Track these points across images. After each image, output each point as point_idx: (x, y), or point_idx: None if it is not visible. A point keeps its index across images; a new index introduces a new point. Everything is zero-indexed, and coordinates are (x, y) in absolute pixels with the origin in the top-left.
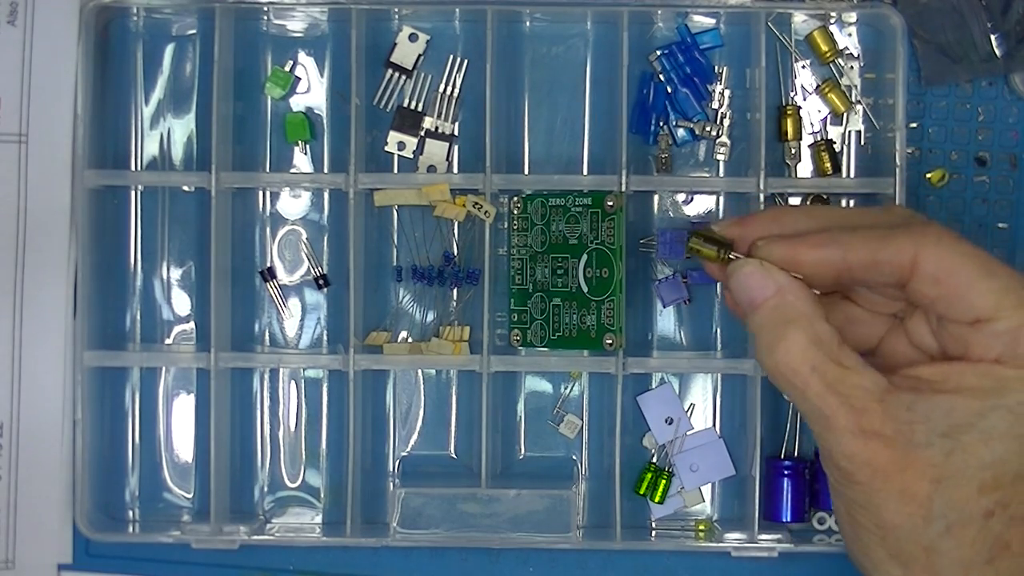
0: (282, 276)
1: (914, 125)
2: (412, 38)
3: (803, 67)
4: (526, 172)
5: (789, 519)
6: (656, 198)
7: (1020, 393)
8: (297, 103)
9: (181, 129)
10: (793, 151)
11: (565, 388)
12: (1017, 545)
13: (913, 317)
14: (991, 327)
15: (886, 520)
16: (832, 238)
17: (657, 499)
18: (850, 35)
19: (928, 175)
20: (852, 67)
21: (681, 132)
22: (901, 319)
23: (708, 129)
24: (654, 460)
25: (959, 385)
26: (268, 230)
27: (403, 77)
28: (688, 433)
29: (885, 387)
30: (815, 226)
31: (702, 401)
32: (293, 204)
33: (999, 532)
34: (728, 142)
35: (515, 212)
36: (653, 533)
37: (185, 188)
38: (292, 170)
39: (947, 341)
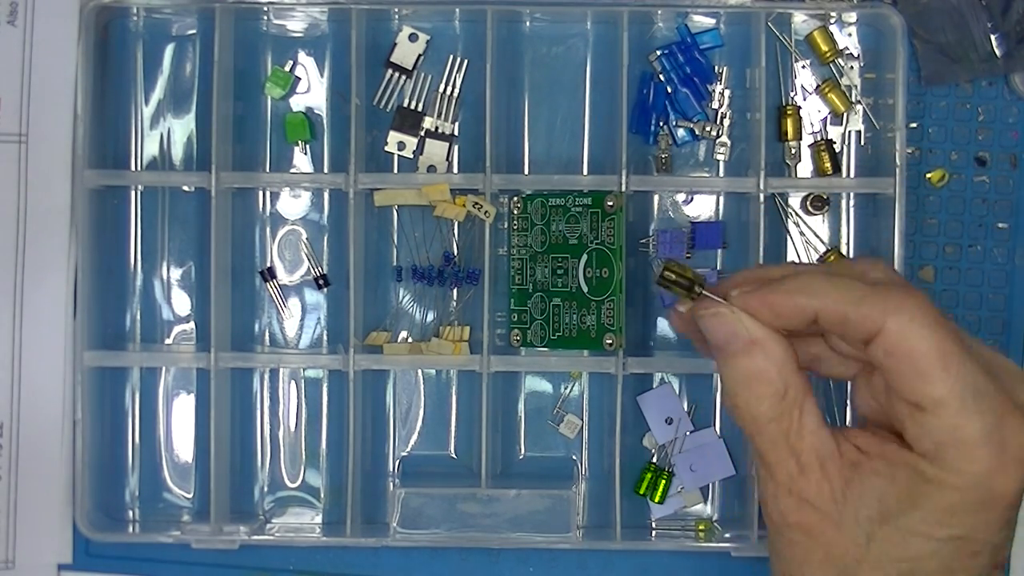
0: (282, 276)
1: (914, 125)
2: (412, 38)
3: (803, 67)
4: (526, 172)
5: None
6: (656, 198)
7: (939, 499)
8: (297, 103)
9: (181, 129)
10: (793, 151)
11: (565, 388)
12: None
13: (875, 373)
14: (928, 420)
15: (808, 572)
16: (807, 287)
17: (657, 499)
18: (850, 35)
19: (928, 175)
20: (852, 67)
21: (681, 132)
22: (870, 369)
23: (708, 129)
24: (654, 460)
25: (891, 474)
26: (268, 230)
27: (403, 77)
28: (688, 433)
29: (830, 453)
30: (792, 272)
31: (702, 401)
32: (293, 204)
33: None
34: (728, 142)
35: (515, 212)
36: (653, 533)
37: (185, 188)
38: (292, 170)
39: (893, 411)
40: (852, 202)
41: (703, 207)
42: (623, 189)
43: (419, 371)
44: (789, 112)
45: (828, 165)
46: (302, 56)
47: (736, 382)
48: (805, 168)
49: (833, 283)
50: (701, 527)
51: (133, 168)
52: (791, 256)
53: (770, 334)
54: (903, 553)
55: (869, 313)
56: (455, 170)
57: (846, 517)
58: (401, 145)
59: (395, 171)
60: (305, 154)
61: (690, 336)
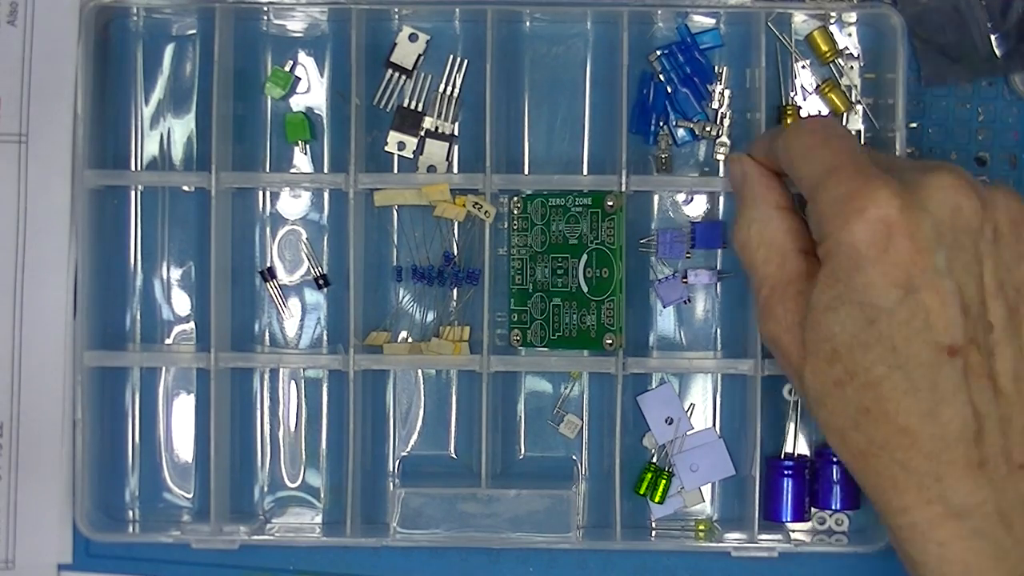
0: (282, 276)
1: (914, 125)
2: (412, 38)
3: (803, 67)
4: (526, 172)
5: (789, 519)
6: (656, 198)
7: (824, 270)
8: (297, 103)
9: (181, 129)
10: None
11: (565, 388)
12: (876, 410)
13: None
14: (810, 210)
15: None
16: (767, 134)
17: (657, 499)
18: (850, 35)
19: None
20: (852, 67)
21: (681, 132)
22: None
23: (708, 129)
24: (654, 460)
25: (820, 268)
26: (268, 230)
27: (403, 77)
28: (688, 433)
29: (799, 272)
30: None
31: (702, 401)
32: (293, 204)
33: (856, 399)
34: (728, 142)
35: (515, 212)
36: (653, 533)
37: (185, 188)
38: (292, 170)
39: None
40: None
41: (703, 207)
42: (623, 189)
43: (419, 371)
44: (789, 112)
45: None
46: (302, 56)
47: (744, 203)
48: None
49: (779, 127)
50: (701, 527)
51: (133, 168)
52: None
53: (759, 167)
54: (823, 332)
55: (778, 134)
56: (455, 170)
57: (796, 319)
58: (401, 145)
59: (395, 171)
60: (305, 154)
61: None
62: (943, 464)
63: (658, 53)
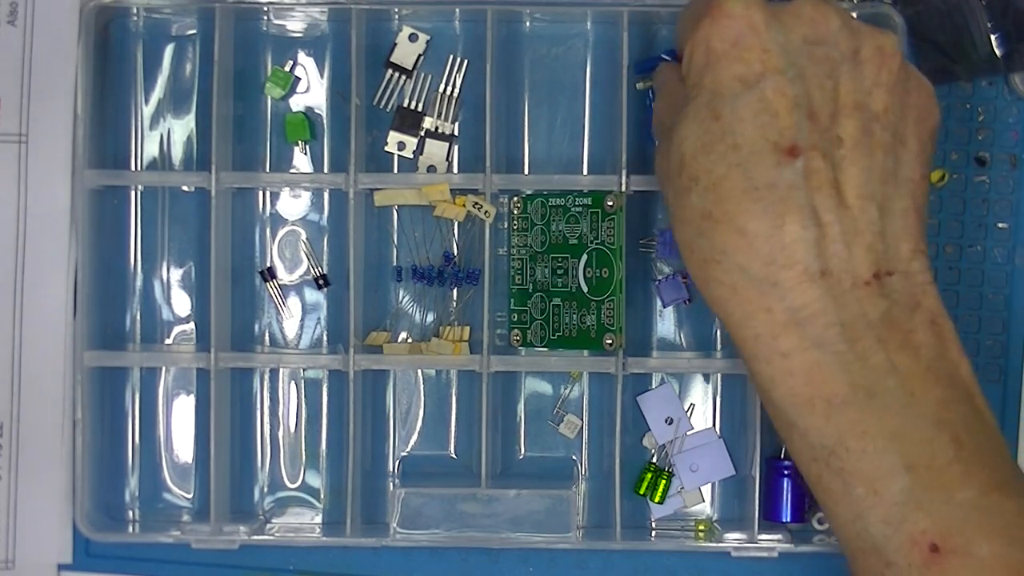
0: (282, 276)
1: None
2: (412, 38)
3: None
4: (526, 172)
5: (789, 519)
6: (656, 198)
7: (687, 83)
8: (297, 103)
9: (181, 129)
10: None
11: (565, 388)
12: (717, 212)
13: None
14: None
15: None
16: None
17: (657, 499)
18: None
19: None
20: None
21: None
22: None
23: None
24: (654, 460)
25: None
26: (268, 230)
27: (403, 77)
28: (688, 433)
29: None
30: None
31: (702, 401)
32: (293, 204)
33: (700, 204)
34: None
35: (515, 212)
36: (653, 533)
37: (185, 188)
38: (292, 170)
39: None
40: None
41: None
42: (623, 189)
43: (419, 371)
44: None
45: None
46: (302, 56)
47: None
48: None
49: None
50: (701, 527)
51: (133, 168)
52: None
53: None
54: (674, 140)
55: None
56: (455, 170)
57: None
58: (401, 145)
59: (395, 171)
60: (305, 154)
61: None
62: (781, 269)
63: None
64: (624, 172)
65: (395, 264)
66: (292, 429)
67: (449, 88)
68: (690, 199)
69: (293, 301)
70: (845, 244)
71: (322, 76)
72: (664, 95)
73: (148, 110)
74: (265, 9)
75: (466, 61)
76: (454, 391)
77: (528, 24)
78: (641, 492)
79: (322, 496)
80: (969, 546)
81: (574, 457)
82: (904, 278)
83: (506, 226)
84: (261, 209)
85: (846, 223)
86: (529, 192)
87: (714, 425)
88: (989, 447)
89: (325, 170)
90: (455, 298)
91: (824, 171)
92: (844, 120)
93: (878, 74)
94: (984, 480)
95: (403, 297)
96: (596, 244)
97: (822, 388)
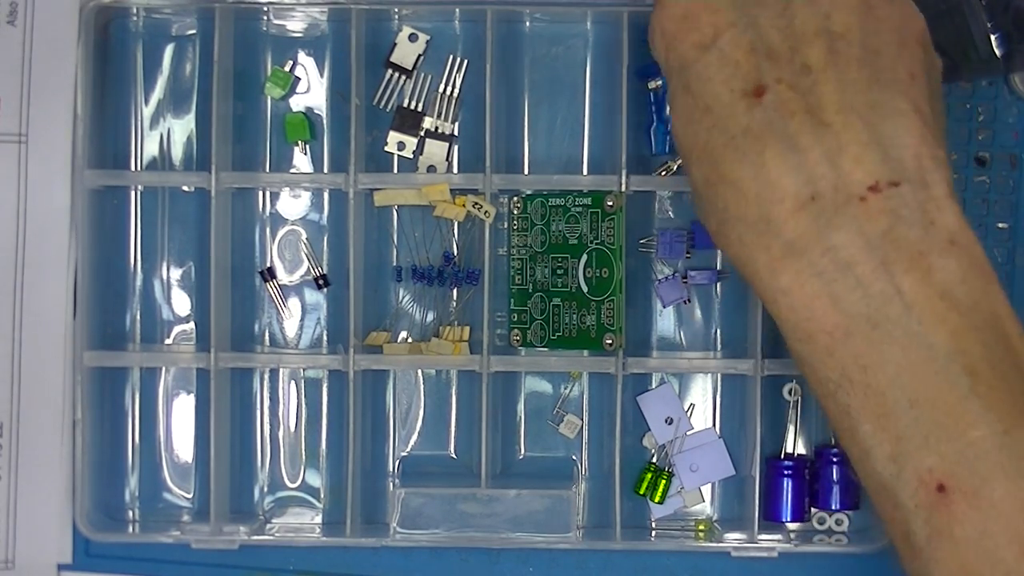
0: (282, 276)
1: None
2: (412, 38)
3: None
4: (526, 172)
5: (789, 519)
6: (656, 198)
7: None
8: (297, 103)
9: (181, 129)
10: None
11: (565, 388)
12: (714, 176)
13: None
14: None
15: None
16: None
17: (657, 499)
18: None
19: None
20: None
21: None
22: None
23: None
24: (654, 460)
25: None
26: (268, 230)
27: (403, 77)
28: (688, 433)
29: None
30: None
31: (702, 401)
32: (293, 204)
33: (699, 175)
34: None
35: (515, 212)
36: (653, 533)
37: (185, 188)
38: (292, 170)
39: None
40: None
41: None
42: (623, 189)
43: (419, 371)
44: None
45: None
46: (302, 56)
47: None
48: None
49: None
50: (701, 527)
51: (133, 168)
52: None
53: None
54: (673, 133)
55: None
56: (455, 170)
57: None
58: (401, 145)
59: (395, 171)
60: (305, 154)
61: None
62: (772, 205)
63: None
64: (624, 172)
65: (395, 264)
66: (292, 429)
67: (449, 88)
68: (692, 175)
69: (293, 301)
70: (830, 163)
71: (322, 76)
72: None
73: (148, 110)
74: (265, 9)
75: (466, 61)
76: (454, 391)
77: (528, 24)
78: (641, 492)
79: (322, 496)
80: (981, 487)
81: (574, 457)
82: (914, 190)
83: (506, 226)
84: (261, 209)
85: (828, 141)
86: (529, 192)
87: (714, 425)
88: (1020, 382)
89: (325, 170)
90: (455, 298)
91: (795, 99)
92: (806, 49)
93: None
94: (1007, 415)
95: (403, 297)
96: (596, 244)
97: (822, 321)
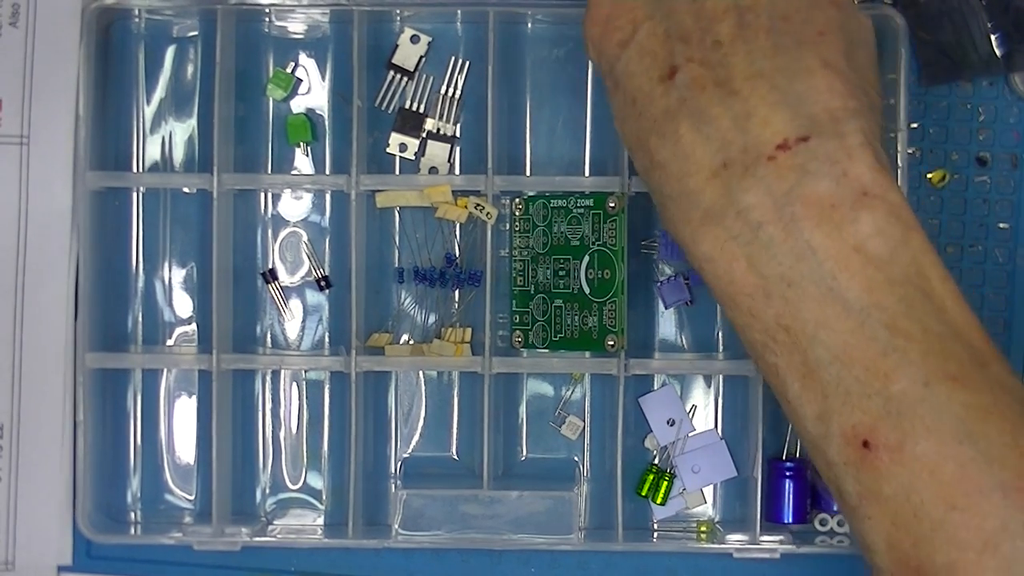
0: (284, 278)
1: (914, 125)
2: (414, 40)
3: None
4: (528, 173)
5: (791, 520)
6: None
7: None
8: (298, 105)
9: (183, 131)
10: None
11: (567, 390)
12: (648, 163)
13: None
14: None
15: None
16: None
17: (659, 500)
18: None
19: (929, 175)
20: None
21: None
22: None
23: None
24: (656, 461)
25: None
26: (270, 232)
27: (405, 79)
28: (690, 434)
29: None
30: None
31: (704, 402)
32: (295, 206)
33: (641, 165)
34: None
35: (517, 213)
36: (655, 534)
37: (186, 190)
38: (293, 172)
39: None
40: None
41: None
42: (625, 190)
43: (421, 373)
44: None
45: None
46: (303, 58)
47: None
48: None
49: None
50: (703, 528)
51: (135, 170)
52: None
53: None
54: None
55: None
56: (457, 172)
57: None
58: (403, 147)
59: (397, 173)
60: (307, 156)
61: None
62: (689, 178)
63: None
64: (626, 173)
65: (397, 265)
66: (294, 430)
67: (451, 89)
68: (637, 163)
69: (295, 303)
70: (739, 128)
71: (324, 78)
72: None
73: (150, 112)
74: (266, 11)
75: (468, 62)
76: (456, 392)
77: (530, 26)
78: (643, 493)
79: (324, 497)
80: (904, 441)
81: (576, 458)
82: (824, 142)
83: (508, 227)
84: (263, 211)
85: (736, 108)
86: (531, 193)
87: (716, 426)
88: (942, 334)
89: (327, 172)
90: (457, 299)
91: (704, 74)
92: (717, 26)
93: None
94: (930, 370)
95: (405, 299)
96: (598, 245)
97: (742, 284)
